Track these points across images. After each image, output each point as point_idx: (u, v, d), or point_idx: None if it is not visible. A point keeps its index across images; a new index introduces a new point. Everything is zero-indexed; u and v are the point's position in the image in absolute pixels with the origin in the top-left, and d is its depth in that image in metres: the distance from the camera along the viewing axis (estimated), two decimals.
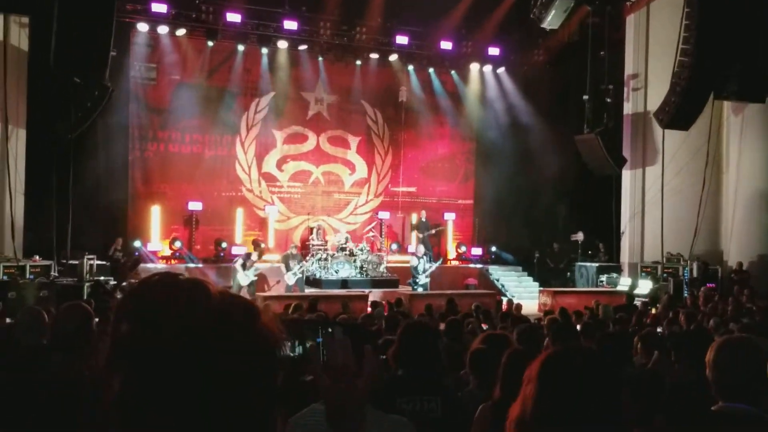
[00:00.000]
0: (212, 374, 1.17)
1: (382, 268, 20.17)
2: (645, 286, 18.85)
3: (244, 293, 17.14)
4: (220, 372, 1.17)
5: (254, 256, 18.70)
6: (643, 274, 19.93)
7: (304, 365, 1.46)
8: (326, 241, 20.89)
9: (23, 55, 17.58)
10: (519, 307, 14.80)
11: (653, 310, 13.88)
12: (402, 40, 22.34)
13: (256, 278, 18.32)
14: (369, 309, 13.60)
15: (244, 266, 18.10)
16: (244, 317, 1.23)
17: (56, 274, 16.30)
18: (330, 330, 1.49)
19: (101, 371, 1.22)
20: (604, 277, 20.50)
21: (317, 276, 19.31)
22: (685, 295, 17.65)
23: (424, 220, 22.56)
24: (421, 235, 22.09)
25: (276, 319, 1.27)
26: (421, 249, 20.39)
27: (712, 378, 2.96)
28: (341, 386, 1.46)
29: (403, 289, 19.08)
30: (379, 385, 3.02)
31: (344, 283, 19.00)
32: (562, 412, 1.88)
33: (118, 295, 15.61)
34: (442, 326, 8.00)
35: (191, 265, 19.99)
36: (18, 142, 17.44)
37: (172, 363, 1.16)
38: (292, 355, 1.44)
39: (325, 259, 19.63)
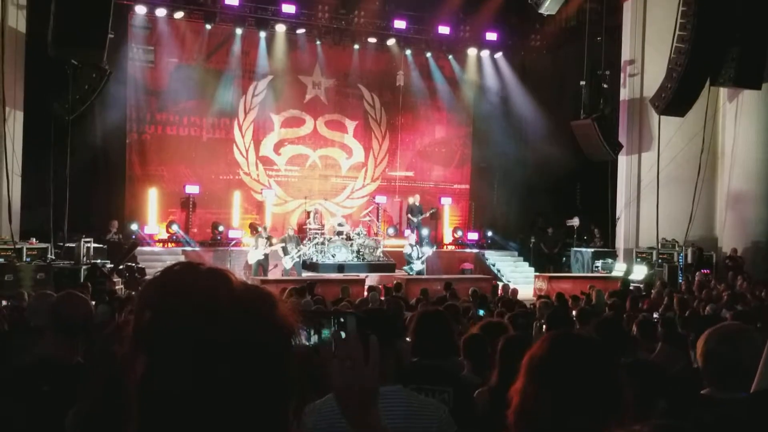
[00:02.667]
0: (231, 362, 1.20)
1: (378, 253, 20.21)
2: (640, 272, 18.93)
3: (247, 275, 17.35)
4: (238, 360, 1.21)
5: (264, 234, 18.85)
6: (638, 259, 20.00)
7: (319, 354, 1.51)
8: (323, 225, 20.92)
9: (21, 37, 17.50)
10: (515, 292, 14.89)
11: (651, 295, 13.96)
12: (400, 24, 22.29)
13: (264, 257, 18.52)
14: (366, 293, 13.65)
15: (256, 247, 18.57)
16: (263, 307, 1.27)
17: (53, 257, 16.28)
18: (343, 320, 1.53)
19: (124, 357, 1.27)
20: (599, 263, 20.56)
21: (314, 260, 19.36)
22: (680, 280, 17.75)
23: (418, 204, 22.57)
24: (415, 219, 22.09)
25: (294, 309, 1.32)
26: (413, 237, 20.47)
27: (702, 365, 3.04)
28: (348, 375, 1.50)
29: (400, 274, 19.17)
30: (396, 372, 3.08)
31: (341, 267, 19.04)
32: (563, 402, 1.90)
33: (115, 279, 15.70)
34: None
35: (188, 248, 20.04)
36: (15, 123, 17.36)
37: (192, 350, 1.20)
38: (308, 344, 1.49)
39: (322, 243, 19.66)
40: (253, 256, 18.57)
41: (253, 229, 20.38)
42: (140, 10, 19.84)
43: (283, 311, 1.29)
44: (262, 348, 1.24)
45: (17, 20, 17.44)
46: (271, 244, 18.85)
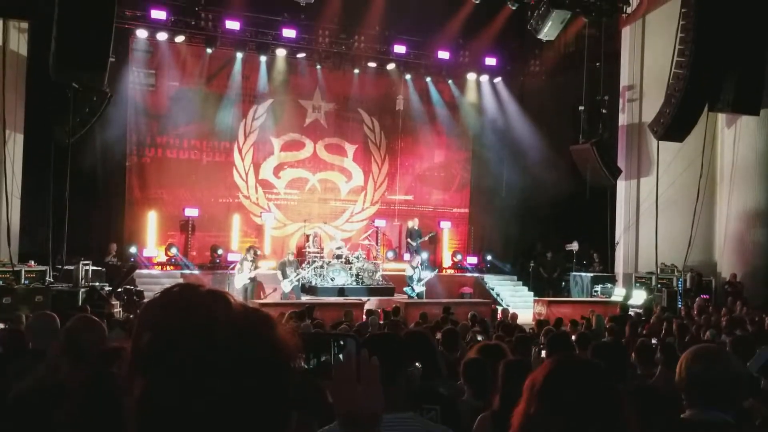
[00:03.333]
0: (230, 384, 1.20)
1: (377, 276, 20.17)
2: (639, 297, 18.89)
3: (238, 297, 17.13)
4: (237, 382, 1.21)
5: (249, 257, 18.64)
6: (638, 284, 19.97)
7: (319, 377, 1.50)
8: (322, 249, 20.89)
9: (22, 60, 17.59)
10: (514, 316, 14.84)
11: (650, 321, 13.91)
12: (400, 49, 22.42)
13: (249, 281, 18.31)
14: (364, 317, 13.61)
15: (240, 271, 18.27)
16: (262, 329, 1.27)
17: (51, 280, 16.21)
18: (342, 343, 1.52)
19: (122, 379, 1.26)
20: (598, 287, 20.53)
21: (313, 283, 19.32)
22: (680, 306, 17.71)
23: (417, 228, 22.59)
24: (414, 243, 22.10)
25: (293, 331, 1.31)
26: (417, 258, 20.44)
27: (682, 386, 3.02)
28: (349, 397, 1.49)
29: (399, 297, 19.12)
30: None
31: (341, 291, 19.00)
32: (564, 425, 1.89)
33: (113, 302, 15.64)
34: (438, 335, 8.04)
35: (186, 271, 20.00)
36: (15, 146, 17.42)
37: (191, 373, 1.20)
38: (307, 367, 1.48)
39: (321, 267, 19.62)
40: (239, 280, 18.19)
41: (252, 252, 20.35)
42: (141, 33, 19.96)
43: (282, 333, 1.29)
44: (261, 370, 1.23)
45: (18, 43, 17.55)
46: (257, 267, 18.66)
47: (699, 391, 2.95)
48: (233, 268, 19.42)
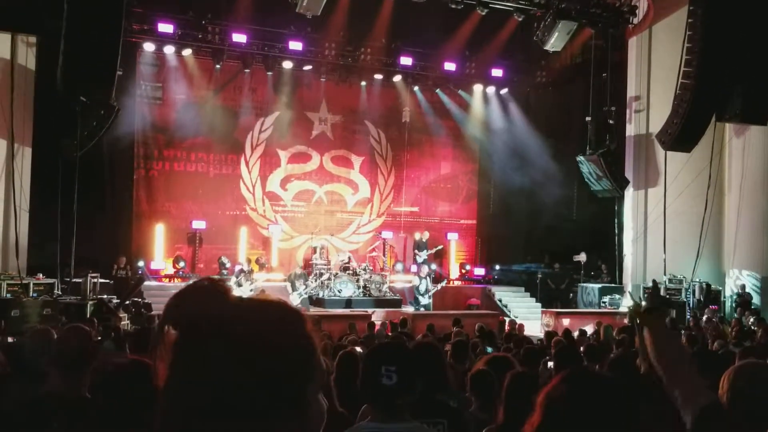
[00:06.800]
0: (258, 374, 1.20)
1: (384, 288, 20.16)
2: None
3: None
4: (266, 371, 1.21)
5: (245, 268, 18.65)
6: (646, 295, 19.88)
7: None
8: (329, 261, 20.90)
9: (30, 75, 17.67)
10: (522, 327, 14.79)
11: None
12: (406, 61, 22.43)
13: (252, 292, 18.32)
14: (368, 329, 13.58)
15: (239, 284, 18.24)
16: (293, 323, 1.28)
17: (59, 293, 16.27)
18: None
19: (152, 366, 1.27)
20: (606, 299, 20.46)
21: (320, 295, 19.32)
22: (688, 317, 17.64)
23: (424, 240, 22.58)
24: (421, 254, 22.08)
25: (317, 327, 1.32)
26: (425, 269, 20.44)
27: (730, 404, 2.95)
28: None
29: (406, 309, 19.11)
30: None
31: (348, 303, 19.00)
32: None
33: (121, 314, 15.66)
34: (447, 347, 8.01)
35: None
36: (24, 160, 17.49)
37: (219, 362, 1.20)
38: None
39: (328, 279, 19.63)
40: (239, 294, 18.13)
41: (260, 265, 20.34)
42: (149, 47, 20.04)
43: (310, 329, 1.30)
44: (290, 359, 1.24)
45: (27, 58, 17.63)
46: (254, 281, 18.64)
47: (744, 407, 2.90)
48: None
